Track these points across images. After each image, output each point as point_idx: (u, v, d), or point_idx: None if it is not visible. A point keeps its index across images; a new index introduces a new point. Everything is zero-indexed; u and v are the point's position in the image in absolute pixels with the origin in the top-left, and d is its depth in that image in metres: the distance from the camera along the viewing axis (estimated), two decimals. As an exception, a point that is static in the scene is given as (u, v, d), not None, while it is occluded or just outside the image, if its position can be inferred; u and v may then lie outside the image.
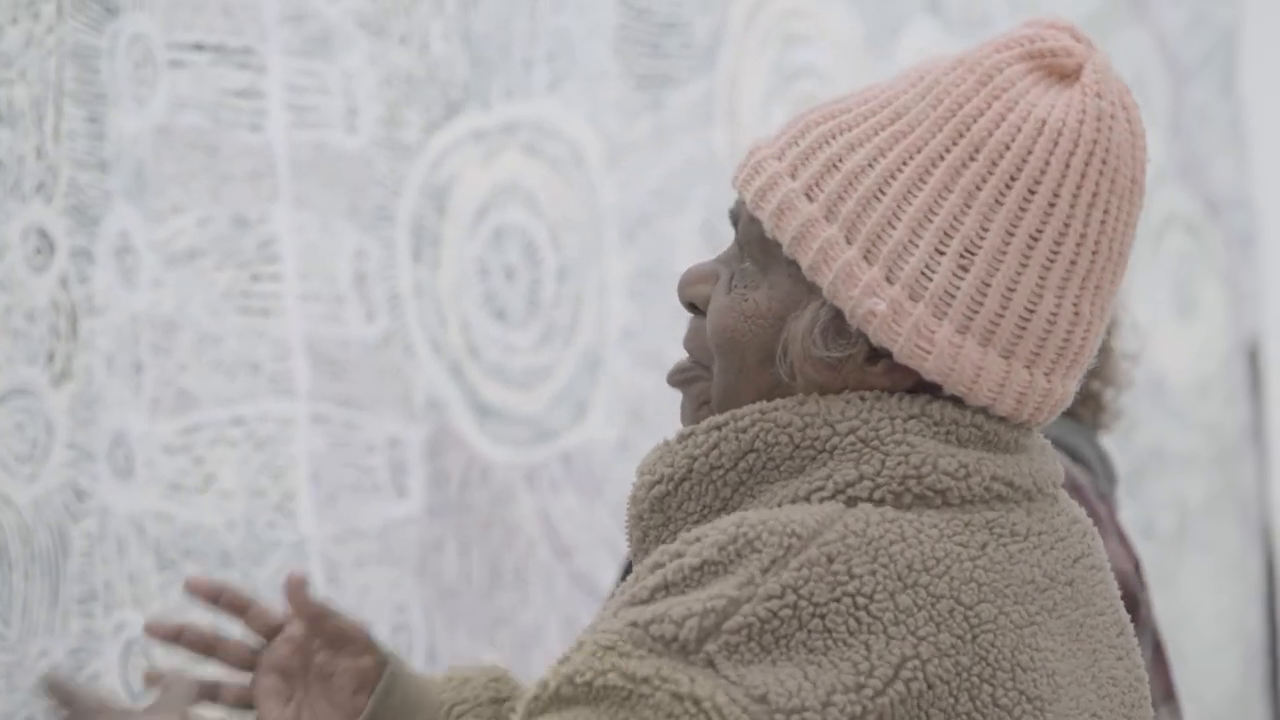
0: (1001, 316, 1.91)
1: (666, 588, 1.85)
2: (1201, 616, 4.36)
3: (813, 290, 1.93)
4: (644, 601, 1.85)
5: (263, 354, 3.08)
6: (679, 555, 1.86)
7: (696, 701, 1.79)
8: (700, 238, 3.64)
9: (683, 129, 3.65)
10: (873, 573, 1.84)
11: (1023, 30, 1.97)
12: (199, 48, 3.04)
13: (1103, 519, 2.74)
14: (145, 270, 2.96)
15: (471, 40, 3.35)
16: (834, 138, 1.95)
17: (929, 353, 1.91)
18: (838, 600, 1.83)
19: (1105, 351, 2.85)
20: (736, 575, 1.83)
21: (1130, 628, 2.03)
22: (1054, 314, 1.93)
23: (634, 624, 1.83)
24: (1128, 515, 4.27)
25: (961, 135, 1.92)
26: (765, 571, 1.83)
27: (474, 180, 3.37)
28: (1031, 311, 1.92)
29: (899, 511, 1.89)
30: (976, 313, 1.91)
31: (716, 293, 2.01)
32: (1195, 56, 4.40)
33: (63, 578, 2.81)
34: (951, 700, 1.83)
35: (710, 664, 1.81)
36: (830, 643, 1.82)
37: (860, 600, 1.83)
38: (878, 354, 1.92)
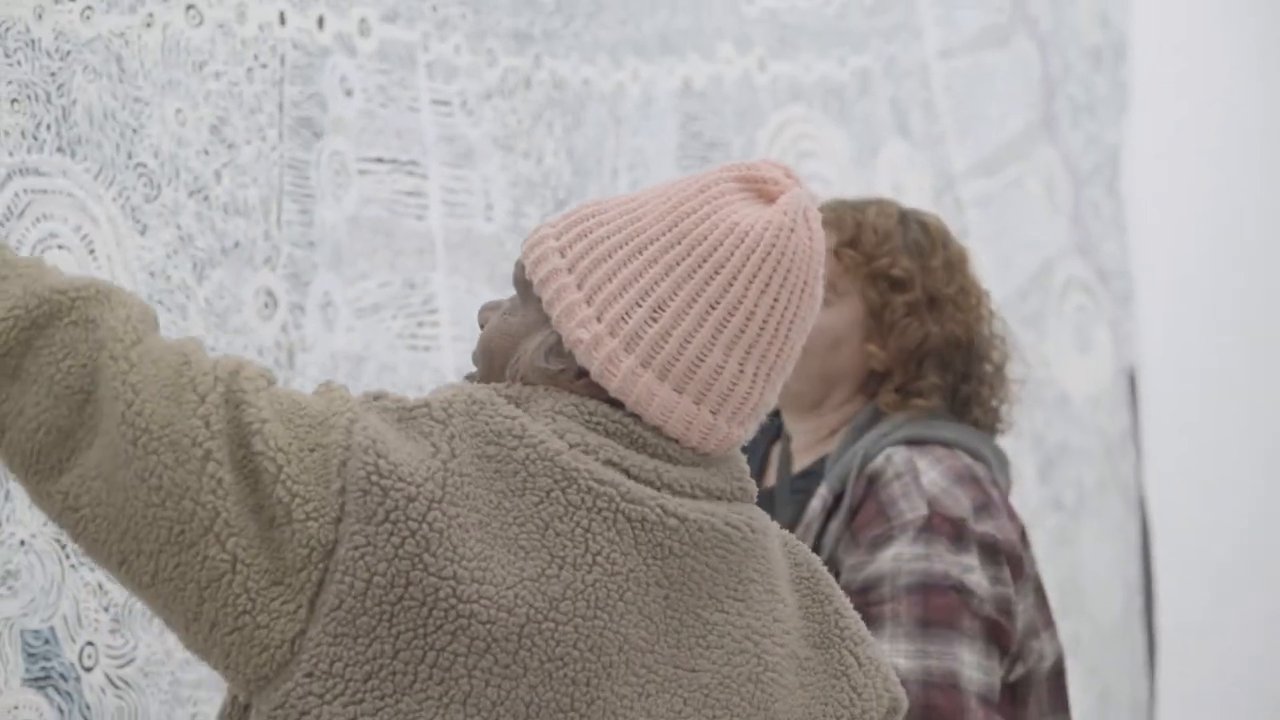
0: (677, 359, 1.84)
1: None
2: (1095, 566, 4.34)
3: (548, 320, 1.89)
4: None
5: (426, 380, 3.05)
6: None
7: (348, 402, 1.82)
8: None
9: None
10: (469, 414, 1.83)
11: (748, 162, 1.93)
12: (379, 160, 3.03)
13: (995, 500, 2.70)
14: (342, 320, 2.96)
15: (574, 155, 3.32)
16: (592, 217, 1.90)
17: (615, 375, 1.85)
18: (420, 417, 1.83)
19: (1002, 378, 2.83)
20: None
21: (768, 580, 1.91)
22: (721, 365, 1.85)
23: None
24: (1043, 494, 4.26)
25: (675, 225, 1.86)
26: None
27: (575, 255, 3.35)
28: (701, 360, 1.85)
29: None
30: (657, 353, 1.84)
31: (494, 317, 1.97)
32: (1090, 167, 4.38)
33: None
34: (477, 486, 1.80)
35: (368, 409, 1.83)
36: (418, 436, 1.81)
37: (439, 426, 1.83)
38: (583, 373, 1.87)
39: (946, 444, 2.72)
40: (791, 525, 2.68)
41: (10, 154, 2.49)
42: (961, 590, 2.60)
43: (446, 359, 3.10)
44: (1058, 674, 2.76)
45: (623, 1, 3.41)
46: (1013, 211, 4.19)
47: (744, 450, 2.00)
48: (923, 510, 2.63)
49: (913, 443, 2.71)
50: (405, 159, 3.06)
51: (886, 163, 3.88)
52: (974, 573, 2.62)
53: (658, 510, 1.84)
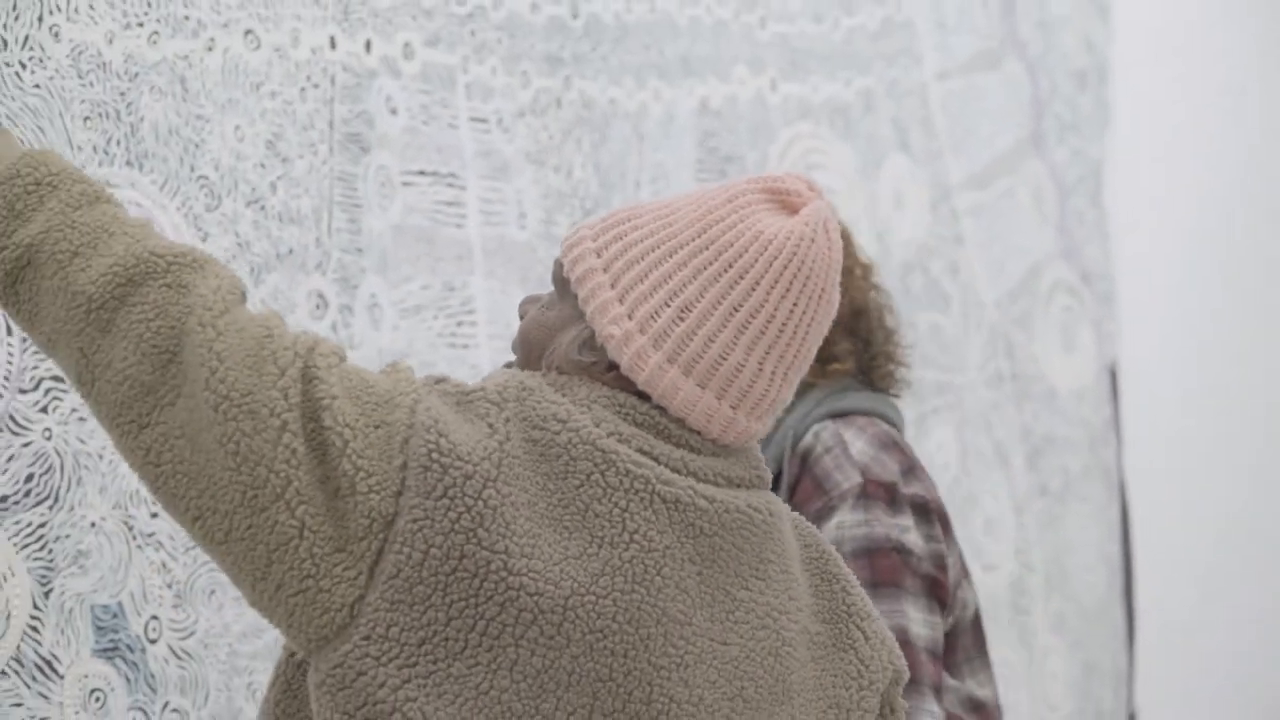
0: (701, 357, 1.83)
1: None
2: (1080, 546, 4.32)
3: (582, 316, 1.87)
4: None
5: (464, 375, 3.01)
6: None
7: (413, 383, 1.82)
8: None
9: (740, 230, 3.59)
10: (520, 400, 1.82)
11: (773, 174, 1.92)
12: (422, 173, 3.01)
13: (917, 463, 2.69)
14: (387, 320, 2.94)
15: (600, 169, 3.30)
16: (627, 221, 1.89)
17: (643, 370, 1.84)
18: (481, 401, 1.83)
19: (896, 344, 2.81)
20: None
21: (784, 561, 1.90)
22: (741, 364, 1.84)
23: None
24: (1031, 481, 4.25)
25: (704, 232, 1.85)
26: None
27: (601, 261, 3.34)
28: (724, 358, 1.83)
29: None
30: (683, 350, 1.83)
31: (533, 310, 1.95)
32: (1074, 179, 4.36)
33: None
34: (525, 468, 1.79)
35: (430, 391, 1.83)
36: (475, 418, 1.80)
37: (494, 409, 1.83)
38: (613, 366, 1.86)
39: (866, 413, 2.72)
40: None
41: (83, 167, 2.49)
42: (902, 550, 2.59)
43: (483, 356, 3.09)
44: (977, 620, 2.76)
45: (646, 28, 3.40)
46: (1004, 220, 4.18)
47: None
48: (857, 479, 2.62)
49: (836, 415, 2.70)
50: (445, 172, 3.05)
51: (888, 175, 3.87)
52: (910, 532, 2.61)
53: (689, 492, 1.83)
